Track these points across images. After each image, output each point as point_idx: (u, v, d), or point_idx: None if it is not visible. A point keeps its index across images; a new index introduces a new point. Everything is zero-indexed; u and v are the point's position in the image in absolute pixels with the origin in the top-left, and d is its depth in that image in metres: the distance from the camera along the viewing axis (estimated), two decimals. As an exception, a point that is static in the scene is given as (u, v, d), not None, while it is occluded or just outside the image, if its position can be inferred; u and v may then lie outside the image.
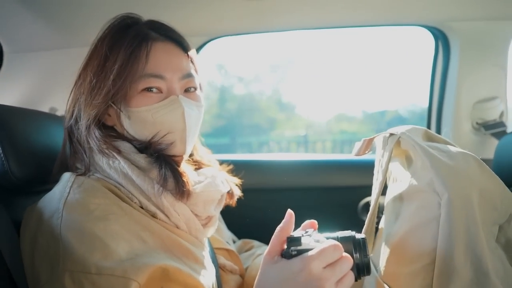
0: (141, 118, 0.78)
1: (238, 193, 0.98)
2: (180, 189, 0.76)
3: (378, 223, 0.86)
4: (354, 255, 0.61)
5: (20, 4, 1.12)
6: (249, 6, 1.31)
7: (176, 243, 0.76)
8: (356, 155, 0.87)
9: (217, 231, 0.99)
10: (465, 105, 1.55)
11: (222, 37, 1.55)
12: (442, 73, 1.60)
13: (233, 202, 0.98)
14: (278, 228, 0.61)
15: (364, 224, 0.79)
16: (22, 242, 0.73)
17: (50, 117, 1.02)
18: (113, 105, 0.79)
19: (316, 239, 0.60)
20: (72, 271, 0.63)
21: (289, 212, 0.62)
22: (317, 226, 0.69)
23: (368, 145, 0.86)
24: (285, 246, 0.59)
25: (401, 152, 0.81)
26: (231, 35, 1.57)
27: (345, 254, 0.58)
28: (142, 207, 0.77)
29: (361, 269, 0.61)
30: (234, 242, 1.20)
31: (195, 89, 0.85)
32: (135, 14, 0.85)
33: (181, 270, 0.70)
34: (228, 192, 0.93)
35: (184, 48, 0.85)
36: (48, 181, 0.84)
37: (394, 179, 0.83)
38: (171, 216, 0.78)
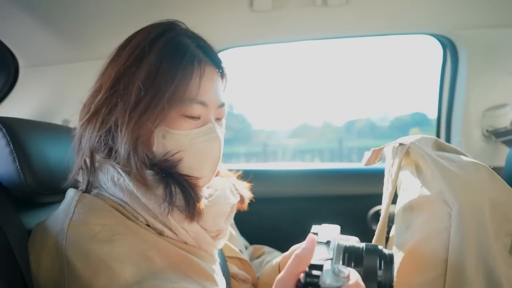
0: (178, 141, 0.74)
1: (248, 195, 0.94)
2: (191, 211, 0.72)
3: (388, 232, 0.85)
4: (378, 271, 0.55)
5: (35, 19, 1.15)
6: (255, 17, 1.33)
7: (185, 260, 0.73)
8: (366, 165, 0.87)
9: (230, 238, 0.97)
10: (474, 113, 1.54)
11: (229, 48, 1.57)
12: (451, 81, 1.60)
13: (244, 206, 0.94)
14: (296, 255, 0.53)
15: (373, 233, 0.79)
16: (30, 259, 0.72)
17: (63, 129, 1.04)
18: (148, 123, 0.73)
19: (338, 271, 0.51)
20: None
21: (311, 237, 0.54)
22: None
23: (378, 155, 0.86)
24: (301, 277, 0.52)
25: (411, 162, 0.81)
26: (238, 47, 1.58)
27: None
28: (148, 225, 0.74)
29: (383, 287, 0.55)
30: (246, 248, 1.19)
31: (224, 116, 0.83)
32: (182, 22, 0.82)
33: None
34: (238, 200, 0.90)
35: (223, 75, 0.83)
36: (62, 192, 0.85)
37: (404, 189, 0.83)
38: (179, 234, 0.75)
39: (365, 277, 0.54)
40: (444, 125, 1.65)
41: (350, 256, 0.57)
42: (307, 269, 0.51)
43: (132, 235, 0.70)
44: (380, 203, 1.57)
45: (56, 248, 0.67)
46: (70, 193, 0.76)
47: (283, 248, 1.21)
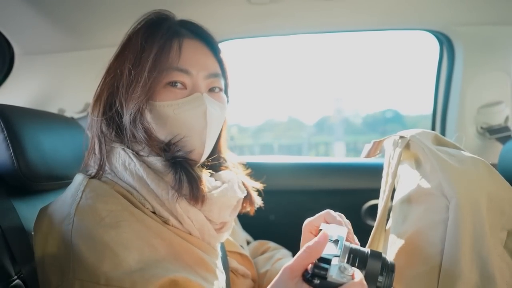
0: (163, 112, 0.77)
1: (258, 201, 0.95)
2: (195, 194, 0.74)
3: (385, 225, 0.86)
4: (379, 276, 0.58)
5: (31, 7, 1.14)
6: (253, 10, 1.32)
7: (188, 250, 0.74)
8: (366, 157, 0.87)
9: (232, 233, 0.98)
10: (469, 110, 1.55)
11: (227, 40, 1.56)
12: (447, 78, 1.61)
13: (251, 210, 0.95)
14: (308, 246, 0.55)
15: (368, 227, 0.79)
16: (34, 243, 0.72)
17: (59, 118, 1.04)
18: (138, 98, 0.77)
19: (344, 268, 0.54)
20: (83, 280, 0.63)
21: (324, 233, 0.56)
22: (337, 219, 0.70)
23: (378, 147, 0.87)
24: (308, 268, 0.54)
25: (410, 155, 0.82)
26: (235, 39, 1.58)
27: None
28: (154, 213, 0.75)
29: None
30: (249, 243, 1.19)
31: (220, 90, 0.84)
32: (168, 11, 0.85)
33: (191, 280, 0.68)
34: (246, 198, 0.91)
35: (213, 48, 0.85)
36: (57, 180, 0.85)
37: (402, 182, 0.83)
38: (184, 223, 0.76)
39: (366, 280, 0.56)
40: (439, 121, 1.65)
41: (355, 257, 0.59)
42: (316, 261, 0.54)
43: (137, 223, 0.70)
44: (375, 197, 1.58)
45: (63, 232, 0.68)
46: (79, 177, 0.77)
47: (275, 239, 1.22)
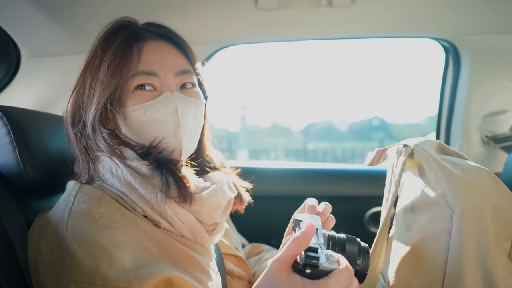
0: (136, 116, 0.78)
1: (247, 198, 0.97)
2: (183, 194, 0.75)
3: (387, 233, 0.86)
4: (358, 259, 0.61)
5: (38, 10, 1.14)
6: (260, 15, 1.33)
7: (182, 252, 0.75)
8: (369, 165, 0.88)
9: (226, 235, 0.99)
10: (474, 118, 1.55)
11: (233, 45, 1.57)
12: (452, 86, 1.61)
13: (241, 208, 0.97)
14: (296, 237, 0.54)
15: (371, 234, 0.79)
16: (28, 250, 0.73)
17: (64, 121, 1.04)
18: (110, 107, 0.79)
19: (329, 255, 0.55)
20: (78, 282, 0.63)
21: (311, 224, 0.56)
22: (317, 208, 0.72)
23: (382, 155, 0.87)
24: (298, 259, 0.54)
25: (413, 164, 0.82)
26: (242, 44, 1.58)
27: (354, 278, 0.56)
28: (145, 216, 0.76)
29: (360, 276, 0.61)
30: (243, 246, 1.19)
31: (193, 85, 0.85)
32: (130, 17, 0.86)
33: (185, 280, 0.69)
34: (236, 197, 0.92)
35: (179, 46, 0.85)
36: (62, 183, 0.85)
37: (405, 190, 0.83)
38: (175, 225, 0.77)
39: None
40: (444, 129, 1.65)
41: (334, 244, 0.62)
42: (304, 251, 0.54)
43: (130, 225, 0.72)
44: (378, 204, 1.58)
45: (57, 237, 0.68)
46: (70, 184, 0.79)
47: (279, 246, 1.21)
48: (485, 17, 1.38)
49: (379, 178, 0.94)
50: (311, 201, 0.76)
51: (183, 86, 0.83)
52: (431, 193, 0.73)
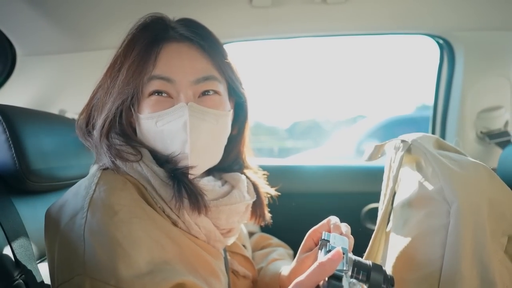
0: (146, 125, 0.75)
1: (267, 218, 0.94)
2: (195, 206, 0.73)
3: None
4: (382, 286, 0.59)
5: (33, 8, 1.14)
6: (254, 13, 1.33)
7: (195, 253, 0.74)
8: (367, 160, 0.88)
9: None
10: (469, 114, 1.55)
11: (228, 43, 1.57)
12: (447, 82, 1.61)
13: (259, 221, 0.93)
14: (322, 263, 0.53)
15: (367, 231, 0.79)
16: (47, 236, 0.71)
17: (60, 119, 1.04)
18: (132, 109, 0.77)
19: (352, 283, 0.55)
20: (93, 278, 0.62)
21: (339, 252, 0.54)
22: (341, 229, 0.72)
23: (379, 151, 0.87)
24: (321, 284, 0.53)
25: (411, 159, 0.82)
26: (236, 42, 1.58)
27: None
28: (164, 212, 0.74)
29: None
30: (251, 234, 1.18)
31: (216, 92, 0.79)
32: (160, 13, 0.81)
33: (197, 285, 0.68)
34: (255, 207, 0.89)
35: (206, 48, 0.78)
36: (58, 181, 0.86)
37: (403, 185, 0.83)
38: (191, 229, 0.75)
39: None
40: (439, 126, 1.66)
41: (359, 270, 0.60)
42: (328, 278, 0.53)
43: (149, 220, 0.70)
44: (374, 201, 1.58)
45: (76, 227, 0.66)
46: (93, 168, 0.76)
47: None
48: (479, 14, 1.39)
49: (375, 174, 0.94)
50: (335, 219, 0.75)
51: (204, 93, 0.77)
52: (429, 188, 0.73)
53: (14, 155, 0.80)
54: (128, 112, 0.78)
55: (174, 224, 0.74)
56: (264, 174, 0.99)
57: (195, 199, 0.73)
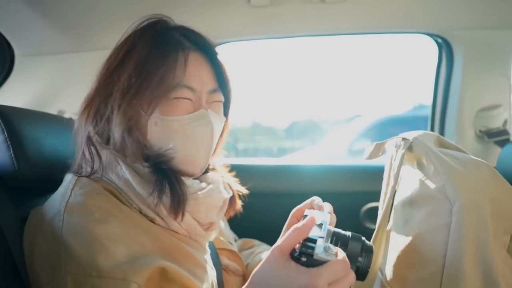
0: (170, 127, 0.77)
1: (239, 205, 0.98)
2: (175, 208, 0.75)
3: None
4: (359, 258, 0.63)
5: (31, 9, 1.14)
6: (253, 13, 1.33)
7: (177, 247, 0.76)
8: (367, 158, 0.88)
9: (220, 233, 1.00)
10: (468, 113, 1.55)
11: (227, 43, 1.57)
12: (445, 81, 1.61)
13: (230, 212, 0.97)
14: (296, 227, 0.59)
15: (366, 230, 0.79)
16: (24, 243, 0.73)
17: (59, 119, 1.04)
18: (141, 110, 0.77)
19: (328, 248, 0.58)
20: (74, 273, 0.64)
21: (312, 217, 0.61)
22: (324, 207, 0.76)
23: (380, 149, 0.87)
24: (296, 247, 0.59)
25: (412, 157, 0.82)
26: (235, 41, 1.58)
27: (351, 270, 0.59)
28: (141, 212, 0.76)
29: (360, 273, 0.63)
30: (235, 240, 1.20)
31: (219, 101, 0.85)
32: (167, 16, 0.84)
33: (180, 271, 0.70)
34: (230, 201, 0.92)
35: (213, 60, 0.83)
36: (56, 180, 0.85)
37: (404, 184, 0.83)
38: (170, 224, 0.77)
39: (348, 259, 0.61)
40: (438, 124, 1.66)
41: (337, 240, 0.65)
42: (302, 241, 0.58)
43: (126, 220, 0.72)
44: (373, 200, 1.58)
45: (53, 229, 0.69)
46: (68, 177, 0.78)
47: (273, 243, 1.22)
48: (478, 12, 1.39)
49: (374, 173, 0.94)
50: (318, 200, 0.80)
51: (212, 102, 0.83)
52: (430, 187, 0.73)
53: (13, 155, 0.80)
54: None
55: (152, 222, 0.76)
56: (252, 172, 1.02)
57: (178, 203, 0.75)
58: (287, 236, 0.58)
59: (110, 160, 0.77)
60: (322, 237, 0.60)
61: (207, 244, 0.87)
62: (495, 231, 0.67)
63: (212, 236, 0.87)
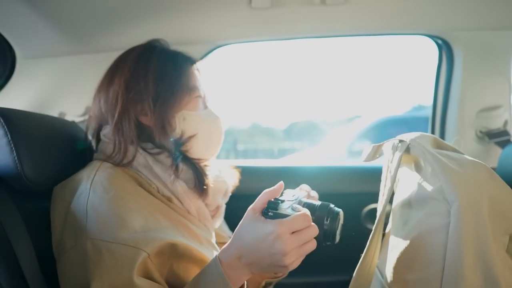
0: (196, 120, 0.92)
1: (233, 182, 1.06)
2: (200, 188, 0.88)
3: (384, 229, 0.86)
4: (325, 222, 0.71)
5: (33, 11, 1.14)
6: (254, 14, 1.33)
7: (186, 226, 0.86)
8: (365, 160, 0.88)
9: (220, 229, 1.09)
10: (468, 114, 1.55)
11: (227, 45, 1.57)
12: (446, 82, 1.61)
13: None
14: (266, 190, 0.72)
15: (367, 231, 0.80)
16: (54, 216, 0.82)
17: (60, 121, 1.04)
18: (171, 110, 0.90)
19: (295, 207, 0.71)
20: (93, 239, 0.73)
21: (281, 183, 0.74)
22: (308, 193, 0.91)
23: (377, 151, 0.87)
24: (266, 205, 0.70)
25: (409, 159, 0.82)
26: (236, 43, 1.59)
27: (313, 224, 0.68)
28: (159, 192, 0.87)
29: (328, 235, 0.72)
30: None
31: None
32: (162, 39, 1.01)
33: (188, 244, 0.79)
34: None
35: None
36: (58, 182, 0.86)
37: (402, 185, 0.83)
38: (184, 202, 0.88)
39: (315, 223, 0.70)
40: (438, 125, 1.66)
41: (306, 207, 0.73)
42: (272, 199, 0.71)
43: (143, 198, 0.83)
44: (374, 201, 1.58)
45: (80, 204, 0.79)
46: (94, 162, 0.89)
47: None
48: (478, 13, 1.39)
49: (375, 175, 0.95)
50: (305, 187, 0.96)
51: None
52: (428, 188, 0.73)
53: (16, 158, 0.80)
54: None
55: (169, 201, 0.88)
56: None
57: (202, 181, 0.89)
58: (258, 198, 0.71)
59: (132, 151, 0.87)
60: (291, 201, 0.72)
61: (213, 231, 0.98)
62: (494, 231, 0.67)
63: (217, 222, 0.99)
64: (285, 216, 0.68)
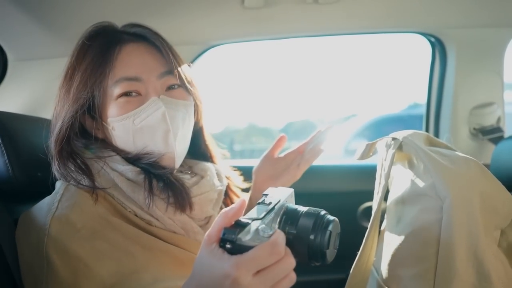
0: (124, 126, 0.76)
1: (235, 195, 0.97)
2: (181, 203, 0.75)
3: (380, 226, 0.86)
4: (311, 234, 0.53)
5: (24, 13, 1.13)
6: (247, 14, 1.33)
7: (170, 253, 0.75)
8: (358, 159, 0.88)
9: None
10: (462, 111, 1.56)
11: (221, 45, 1.57)
12: (439, 80, 1.62)
13: (228, 202, 0.96)
14: (224, 212, 0.52)
15: (363, 230, 0.80)
16: (17, 243, 0.73)
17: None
18: (98, 118, 0.78)
19: (262, 231, 0.50)
20: None
21: (243, 200, 0.54)
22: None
23: (371, 149, 0.87)
24: (221, 232, 0.51)
25: (402, 156, 0.82)
26: (229, 43, 1.58)
27: (286, 254, 0.50)
28: (136, 215, 0.75)
29: (314, 255, 0.54)
30: None
31: (179, 86, 0.81)
32: (107, 22, 0.84)
33: (166, 284, 0.68)
34: (226, 195, 0.91)
35: (160, 47, 0.81)
36: (50, 184, 0.85)
37: (395, 183, 0.84)
38: (166, 224, 0.76)
39: (297, 239, 0.53)
40: (432, 122, 1.67)
41: (287, 218, 0.56)
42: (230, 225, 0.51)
43: (114, 232, 0.71)
44: (370, 199, 1.58)
45: (38, 242, 0.68)
46: (57, 184, 0.78)
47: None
48: (470, 11, 1.40)
49: (370, 173, 0.94)
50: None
51: (170, 88, 0.80)
52: (421, 185, 0.74)
53: (7, 161, 0.80)
54: (88, 121, 0.80)
55: (149, 224, 0.75)
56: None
57: (181, 196, 0.75)
58: (215, 222, 0.52)
59: (96, 168, 0.76)
60: (260, 219, 0.52)
61: None
62: (485, 226, 0.68)
63: None
64: (246, 248, 0.48)
